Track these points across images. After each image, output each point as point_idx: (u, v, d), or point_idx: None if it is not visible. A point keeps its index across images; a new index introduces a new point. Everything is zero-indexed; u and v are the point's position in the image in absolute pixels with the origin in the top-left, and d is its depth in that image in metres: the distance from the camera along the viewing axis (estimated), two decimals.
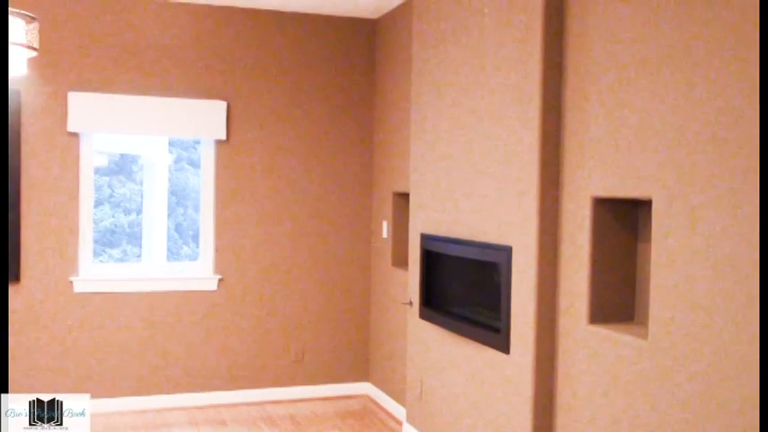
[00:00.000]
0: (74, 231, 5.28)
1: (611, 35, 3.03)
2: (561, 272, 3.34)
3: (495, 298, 3.75)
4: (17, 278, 5.14)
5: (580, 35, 3.23)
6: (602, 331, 3.07)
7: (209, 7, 5.48)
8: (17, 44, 2.83)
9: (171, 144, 9.17)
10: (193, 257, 9.09)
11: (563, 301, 3.33)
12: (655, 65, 2.79)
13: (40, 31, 3.05)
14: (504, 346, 3.61)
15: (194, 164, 10.46)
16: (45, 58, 5.04)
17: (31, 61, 3.23)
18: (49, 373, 5.22)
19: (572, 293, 3.26)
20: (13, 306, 5.15)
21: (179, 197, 11.03)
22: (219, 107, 5.51)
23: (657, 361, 2.75)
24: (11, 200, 5.09)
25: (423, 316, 4.47)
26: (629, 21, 2.93)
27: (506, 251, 3.57)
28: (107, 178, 10.90)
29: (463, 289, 4.29)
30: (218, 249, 5.60)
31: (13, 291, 5.14)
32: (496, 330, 3.69)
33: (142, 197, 9.89)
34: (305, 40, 5.72)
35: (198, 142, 6.25)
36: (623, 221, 3.16)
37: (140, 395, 5.44)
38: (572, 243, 3.26)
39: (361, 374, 5.98)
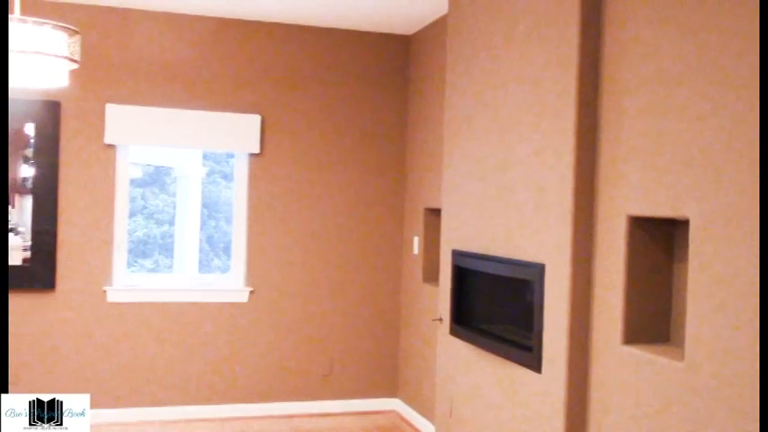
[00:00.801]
0: (108, 241, 5.35)
1: (648, 50, 3.01)
2: (595, 291, 3.30)
3: (528, 316, 3.71)
4: (52, 286, 5.22)
5: (617, 50, 3.21)
6: (636, 352, 3.02)
7: (244, 22, 5.54)
8: (59, 56, 2.88)
9: (204, 157, 9.28)
10: (224, 269, 9.15)
11: (597, 321, 3.29)
12: (692, 81, 2.76)
13: (81, 45, 3.11)
14: (535, 365, 3.56)
15: (227, 177, 10.56)
16: (85, 71, 5.13)
17: (72, 73, 3.29)
18: (80, 380, 5.27)
19: (606, 313, 3.22)
20: (48, 314, 5.23)
21: (211, 210, 11.13)
22: (254, 121, 5.56)
23: (693, 383, 2.70)
24: (48, 210, 5.18)
25: (453, 333, 4.44)
26: (668, 35, 2.91)
27: (539, 269, 3.54)
28: (141, 190, 11.04)
29: (494, 306, 4.26)
30: (249, 262, 5.63)
31: (47, 299, 5.21)
32: (528, 349, 3.65)
33: (175, 209, 10.00)
34: (339, 56, 5.76)
35: (231, 155, 6.32)
36: (659, 241, 3.12)
37: (168, 405, 5.47)
38: (607, 262, 3.22)
39: (391, 390, 5.95)
